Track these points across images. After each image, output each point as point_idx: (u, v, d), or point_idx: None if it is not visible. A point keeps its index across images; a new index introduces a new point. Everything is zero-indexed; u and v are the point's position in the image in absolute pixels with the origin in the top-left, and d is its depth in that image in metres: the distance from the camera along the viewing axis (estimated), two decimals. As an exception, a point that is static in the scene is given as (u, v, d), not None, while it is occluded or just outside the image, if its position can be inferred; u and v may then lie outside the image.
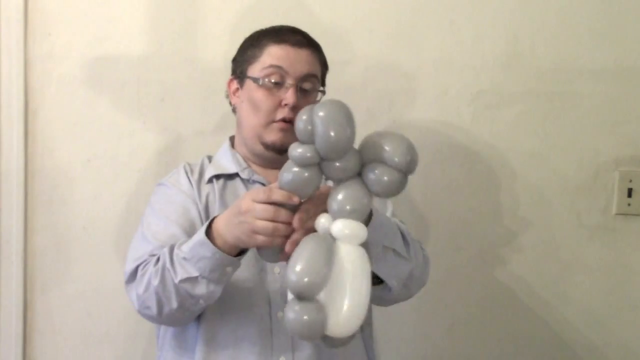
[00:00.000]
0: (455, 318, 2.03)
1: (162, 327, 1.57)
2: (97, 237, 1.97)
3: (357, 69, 1.97)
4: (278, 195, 1.25)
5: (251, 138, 1.55)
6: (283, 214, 1.26)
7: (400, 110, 2.00)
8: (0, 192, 1.95)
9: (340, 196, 1.23)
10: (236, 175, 1.57)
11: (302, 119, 1.23)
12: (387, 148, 1.21)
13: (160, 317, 1.42)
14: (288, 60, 1.51)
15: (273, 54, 1.52)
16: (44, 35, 1.94)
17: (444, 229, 2.01)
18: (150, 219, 1.53)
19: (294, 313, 1.17)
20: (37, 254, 1.98)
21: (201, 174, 1.58)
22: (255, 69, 1.53)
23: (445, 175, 2.01)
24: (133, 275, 1.44)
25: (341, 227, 1.21)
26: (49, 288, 1.99)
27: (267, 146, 1.53)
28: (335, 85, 1.97)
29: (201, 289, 1.36)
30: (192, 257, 1.35)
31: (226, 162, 1.59)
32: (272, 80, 1.51)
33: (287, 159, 1.30)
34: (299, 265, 1.16)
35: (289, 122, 1.49)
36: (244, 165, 1.57)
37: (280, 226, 1.26)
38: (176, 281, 1.36)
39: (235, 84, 1.59)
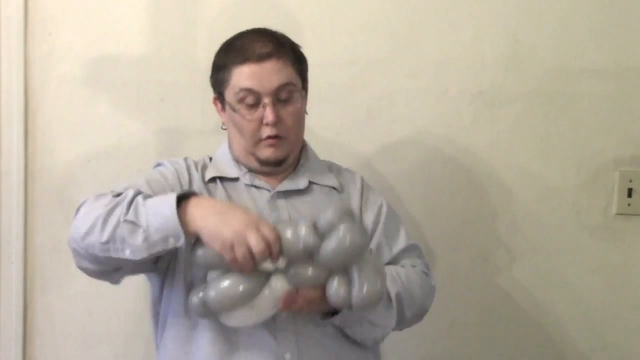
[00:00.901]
0: (455, 318, 2.03)
1: (160, 326, 1.56)
2: (97, 237, 1.97)
3: (357, 69, 1.97)
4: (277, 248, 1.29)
5: (245, 156, 1.54)
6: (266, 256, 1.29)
7: (400, 110, 2.00)
8: (0, 192, 1.95)
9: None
10: (237, 179, 1.55)
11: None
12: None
13: (81, 242, 1.36)
14: (256, 79, 1.46)
15: (240, 76, 1.48)
16: (44, 35, 1.94)
17: (444, 229, 2.01)
18: (135, 176, 1.52)
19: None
20: (37, 254, 1.98)
21: (202, 172, 1.56)
22: (229, 94, 1.50)
23: (445, 175, 2.01)
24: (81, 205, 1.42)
25: None
26: (49, 288, 1.99)
27: (262, 162, 1.52)
28: (335, 85, 1.98)
29: (135, 239, 1.32)
30: (150, 208, 1.32)
31: (226, 165, 1.57)
32: (247, 103, 1.48)
33: (283, 169, 1.45)
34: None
35: (276, 137, 1.48)
36: (244, 170, 1.56)
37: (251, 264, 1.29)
38: (122, 218, 1.32)
39: (218, 103, 1.57)
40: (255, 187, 1.54)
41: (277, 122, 1.47)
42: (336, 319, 1.42)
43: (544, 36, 1.98)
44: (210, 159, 1.61)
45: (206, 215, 1.31)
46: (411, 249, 1.60)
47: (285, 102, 1.48)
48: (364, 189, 1.61)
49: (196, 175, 1.54)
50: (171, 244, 1.32)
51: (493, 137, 2.00)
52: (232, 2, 1.96)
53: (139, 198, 1.35)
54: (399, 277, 1.52)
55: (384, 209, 1.59)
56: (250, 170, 1.55)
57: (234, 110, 1.49)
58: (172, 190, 1.45)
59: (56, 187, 1.97)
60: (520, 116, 2.00)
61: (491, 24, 1.98)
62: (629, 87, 1.99)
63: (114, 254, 1.35)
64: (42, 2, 1.94)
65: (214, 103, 1.58)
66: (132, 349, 1.99)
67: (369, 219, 1.57)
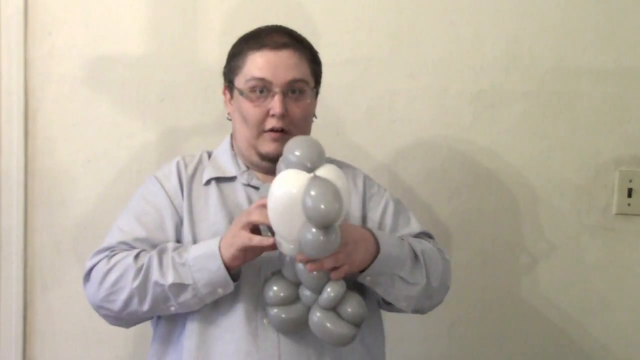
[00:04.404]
0: (455, 318, 2.03)
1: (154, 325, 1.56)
2: (97, 237, 1.96)
3: (357, 69, 1.97)
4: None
5: (246, 149, 1.52)
6: None
7: (400, 110, 2.00)
8: (0, 192, 1.95)
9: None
10: (235, 178, 1.54)
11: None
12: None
13: (120, 313, 1.44)
14: (270, 68, 1.45)
15: (254, 64, 1.46)
16: (44, 35, 1.94)
17: (444, 229, 2.01)
18: (125, 215, 1.53)
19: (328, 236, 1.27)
20: (37, 254, 1.98)
21: (196, 171, 1.55)
22: (240, 81, 1.48)
23: (446, 175, 2.01)
24: (89, 275, 1.48)
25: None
26: (49, 288, 1.99)
27: (263, 156, 1.50)
28: (335, 85, 1.98)
29: (185, 297, 1.39)
30: (194, 265, 1.38)
31: (225, 162, 1.56)
32: (257, 92, 1.46)
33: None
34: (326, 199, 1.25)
35: (281, 130, 1.47)
36: (244, 168, 1.55)
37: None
38: (165, 283, 1.38)
39: (228, 94, 1.55)
40: (252, 186, 1.53)
41: (284, 115, 1.45)
42: (366, 280, 1.42)
43: (544, 36, 1.98)
44: (209, 155, 1.60)
45: (226, 252, 1.38)
46: (423, 236, 1.60)
47: (295, 98, 1.47)
48: (366, 187, 1.59)
49: (186, 180, 1.53)
50: (219, 294, 1.40)
51: (493, 137, 2.00)
52: (232, 2, 1.96)
53: (174, 256, 1.40)
54: (421, 243, 1.52)
55: (390, 207, 1.58)
56: (250, 166, 1.54)
57: (242, 94, 1.48)
58: (175, 222, 1.49)
59: (56, 187, 1.97)
60: (520, 116, 2.00)
61: (491, 24, 1.98)
62: (629, 87, 1.99)
63: (157, 314, 1.45)
64: (42, 2, 1.94)
65: (223, 93, 1.56)
66: (132, 349, 1.99)
67: (374, 219, 1.56)
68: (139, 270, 1.40)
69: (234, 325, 1.43)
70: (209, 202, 1.51)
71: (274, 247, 1.35)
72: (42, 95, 1.96)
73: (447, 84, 1.99)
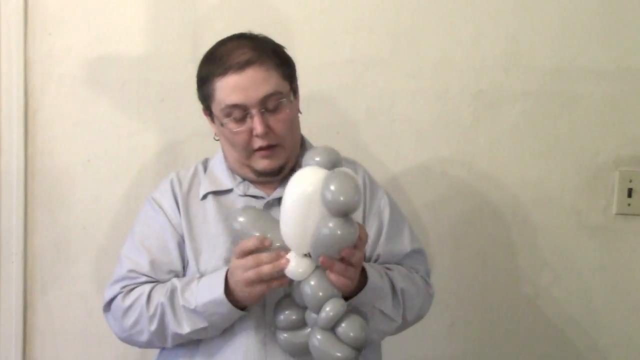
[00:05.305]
0: (455, 318, 2.03)
1: None
2: (97, 237, 1.98)
3: (357, 69, 1.97)
4: (250, 244, 1.35)
5: (240, 168, 1.52)
6: (264, 257, 1.34)
7: (400, 110, 2.00)
8: (0, 192, 1.95)
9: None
10: (231, 190, 1.53)
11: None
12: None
13: (144, 346, 1.52)
14: (240, 92, 1.42)
15: (224, 91, 1.43)
16: (44, 35, 1.94)
17: (444, 229, 2.01)
18: (129, 241, 1.55)
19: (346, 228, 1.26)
20: (37, 254, 1.98)
21: (191, 186, 1.55)
22: (216, 109, 1.47)
23: (445, 175, 2.01)
24: (109, 306, 1.52)
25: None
26: (49, 288, 1.99)
27: (259, 173, 1.50)
28: (335, 85, 1.98)
29: (206, 333, 1.44)
30: (205, 311, 1.41)
31: (221, 175, 1.55)
32: (235, 117, 1.44)
33: (282, 177, 1.46)
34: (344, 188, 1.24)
35: (268, 147, 1.46)
36: (239, 179, 1.53)
37: (265, 268, 1.33)
38: (183, 333, 1.43)
39: (208, 115, 1.53)
40: (250, 196, 1.52)
41: (267, 132, 1.44)
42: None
43: (544, 36, 1.98)
44: (205, 167, 1.59)
45: (243, 299, 1.40)
46: (414, 255, 1.58)
47: (274, 110, 1.45)
48: (367, 188, 1.58)
49: (181, 198, 1.53)
50: (235, 319, 1.43)
51: (493, 137, 2.00)
52: (232, 2, 1.96)
53: (184, 303, 1.42)
54: (403, 276, 1.51)
55: (386, 214, 1.57)
56: (247, 179, 1.53)
57: (222, 125, 1.47)
58: (177, 241, 1.50)
59: (56, 187, 1.97)
60: (520, 116, 2.00)
61: (491, 24, 1.98)
62: (629, 87, 1.99)
63: (183, 342, 1.48)
64: (42, 2, 1.94)
65: (204, 114, 1.54)
66: (132, 349, 1.97)
67: (371, 226, 1.54)
68: (152, 316, 1.44)
69: (242, 333, 1.45)
70: (208, 216, 1.51)
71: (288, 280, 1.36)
72: (42, 95, 1.96)
73: (447, 84, 1.99)
